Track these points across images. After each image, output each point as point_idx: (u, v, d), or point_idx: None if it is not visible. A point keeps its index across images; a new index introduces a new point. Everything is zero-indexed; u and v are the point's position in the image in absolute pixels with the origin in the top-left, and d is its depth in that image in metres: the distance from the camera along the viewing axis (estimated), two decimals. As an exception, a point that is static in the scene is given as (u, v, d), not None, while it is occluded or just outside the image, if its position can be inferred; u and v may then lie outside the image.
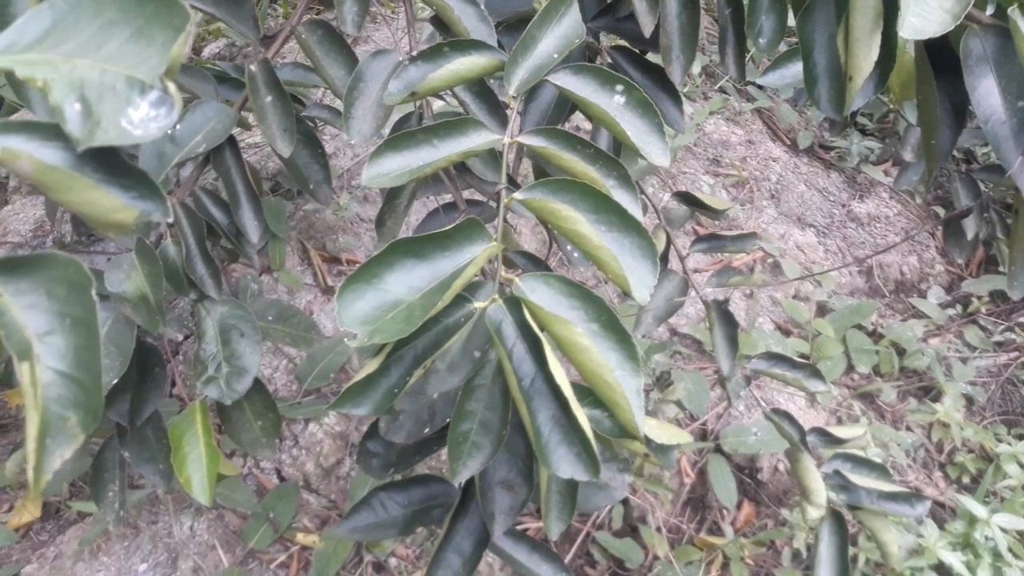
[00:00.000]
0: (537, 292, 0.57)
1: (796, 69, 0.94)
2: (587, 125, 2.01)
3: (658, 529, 1.58)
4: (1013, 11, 0.64)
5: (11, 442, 1.58)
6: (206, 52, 2.27)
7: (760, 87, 2.56)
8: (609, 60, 0.87)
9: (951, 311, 2.10)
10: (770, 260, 2.12)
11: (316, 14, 1.20)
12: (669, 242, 1.26)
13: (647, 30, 0.78)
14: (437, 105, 1.22)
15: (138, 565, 1.41)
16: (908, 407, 1.88)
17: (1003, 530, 1.54)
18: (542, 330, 0.56)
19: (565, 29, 0.65)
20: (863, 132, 2.52)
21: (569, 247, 0.95)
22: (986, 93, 0.68)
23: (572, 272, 1.86)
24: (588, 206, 0.60)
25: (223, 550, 1.44)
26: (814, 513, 1.05)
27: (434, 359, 0.59)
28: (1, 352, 0.39)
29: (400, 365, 0.58)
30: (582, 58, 0.86)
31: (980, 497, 1.65)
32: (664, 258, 1.27)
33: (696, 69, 2.53)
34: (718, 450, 1.68)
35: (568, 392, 0.53)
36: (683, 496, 1.65)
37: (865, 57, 0.70)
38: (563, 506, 0.74)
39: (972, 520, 1.56)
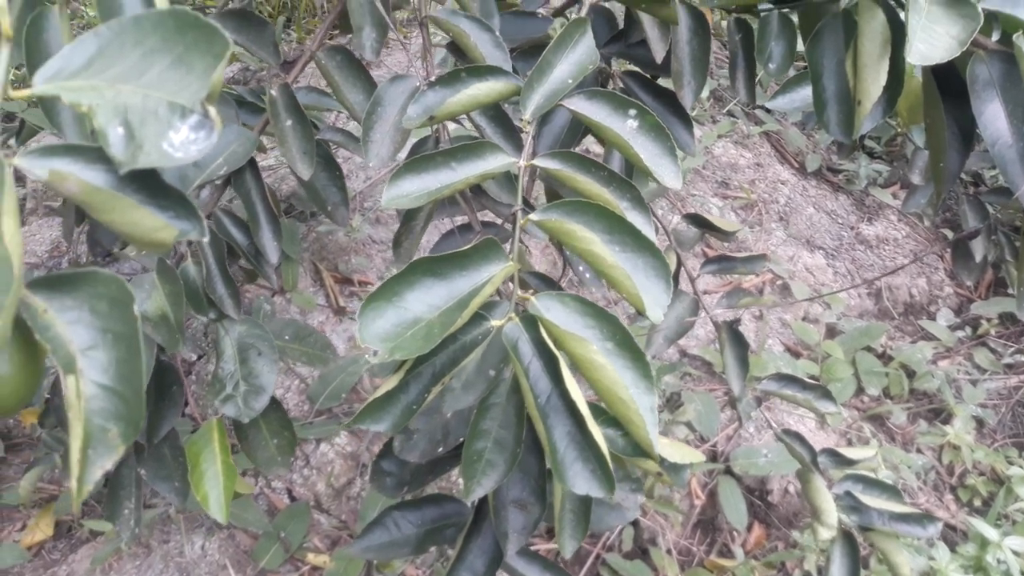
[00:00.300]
0: (553, 311, 0.59)
1: (804, 93, 0.96)
2: (597, 148, 2.03)
3: (668, 551, 1.58)
4: (1018, 38, 0.65)
5: (24, 461, 1.60)
6: (220, 76, 2.29)
7: (768, 111, 2.58)
8: (621, 85, 0.89)
9: (961, 333, 2.11)
10: (779, 282, 2.13)
11: (330, 39, 1.22)
12: (680, 263, 1.27)
13: (659, 56, 0.80)
14: (452, 128, 1.24)
15: (150, 584, 1.42)
16: (918, 429, 1.88)
17: (1015, 553, 1.53)
18: (558, 348, 0.57)
19: (579, 55, 0.67)
20: (871, 155, 2.54)
21: (581, 267, 0.97)
22: (993, 117, 0.69)
23: (583, 292, 1.87)
24: (602, 227, 0.61)
25: (234, 570, 1.45)
26: (825, 534, 1.06)
27: (451, 377, 0.60)
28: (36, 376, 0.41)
29: (419, 382, 0.59)
30: (595, 83, 0.88)
31: (992, 520, 1.65)
32: (675, 279, 1.28)
33: (704, 93, 2.56)
34: (728, 472, 1.68)
35: (584, 409, 0.55)
36: (693, 518, 1.65)
37: (873, 82, 0.71)
38: (577, 524, 0.75)
39: (984, 543, 1.56)
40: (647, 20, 0.82)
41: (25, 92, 0.39)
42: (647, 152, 0.66)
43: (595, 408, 0.67)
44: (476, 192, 0.84)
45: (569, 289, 1.83)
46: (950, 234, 2.35)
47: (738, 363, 1.18)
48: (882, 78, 0.71)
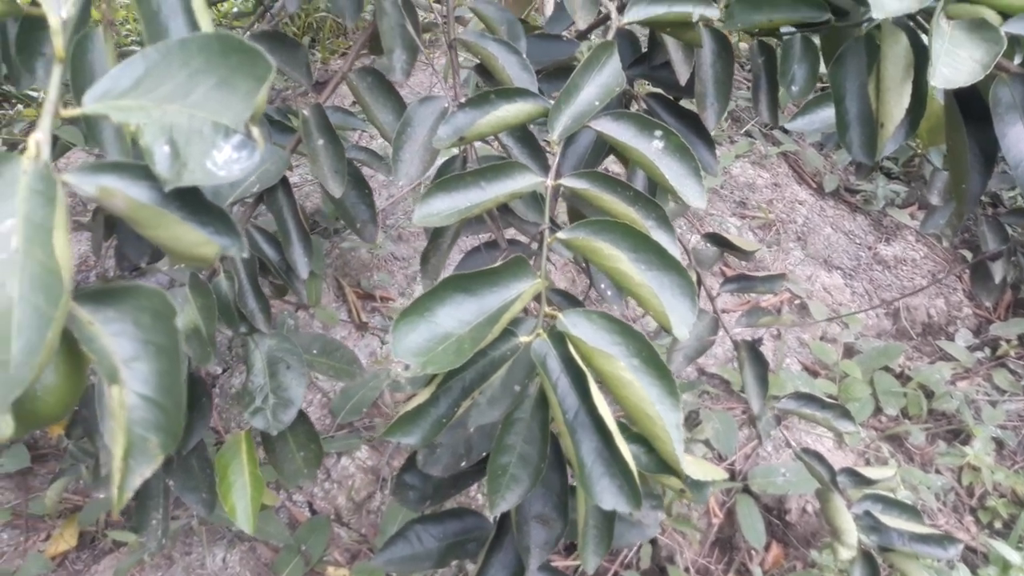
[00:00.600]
0: (580, 327, 0.60)
1: (824, 115, 0.96)
2: (616, 167, 2.04)
3: (686, 569, 1.57)
4: (1041, 61, 0.66)
5: (50, 472, 1.62)
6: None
7: (786, 131, 2.58)
8: (644, 106, 0.90)
9: (979, 354, 2.09)
10: (797, 302, 2.13)
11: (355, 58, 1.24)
12: (699, 282, 1.28)
13: (683, 78, 0.81)
14: (479, 146, 1.26)
15: (170, 596, 1.43)
16: (937, 450, 1.87)
17: (1038, 577, 1.52)
18: (585, 364, 0.58)
19: (606, 78, 0.68)
20: (889, 176, 2.54)
21: (603, 285, 0.97)
22: (1016, 140, 0.69)
23: (604, 309, 1.88)
24: (628, 245, 0.62)
25: (253, 583, 1.46)
26: (845, 554, 1.05)
27: (479, 391, 0.61)
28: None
29: (449, 396, 0.60)
30: (619, 105, 0.89)
31: (1013, 542, 1.63)
32: (694, 298, 1.28)
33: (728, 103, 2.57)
34: (746, 490, 1.67)
35: (612, 425, 0.55)
36: (711, 536, 1.65)
37: (896, 105, 0.72)
38: (600, 540, 0.75)
39: (1005, 566, 1.54)
40: (671, 43, 0.83)
41: (75, 111, 0.41)
42: (672, 172, 0.67)
43: (619, 424, 0.68)
44: (502, 210, 0.85)
45: (589, 306, 1.83)
46: (968, 255, 2.34)
47: (758, 382, 1.18)
48: (905, 101, 0.71)
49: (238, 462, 0.85)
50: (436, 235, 0.88)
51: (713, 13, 0.73)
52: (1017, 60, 0.72)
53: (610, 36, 0.72)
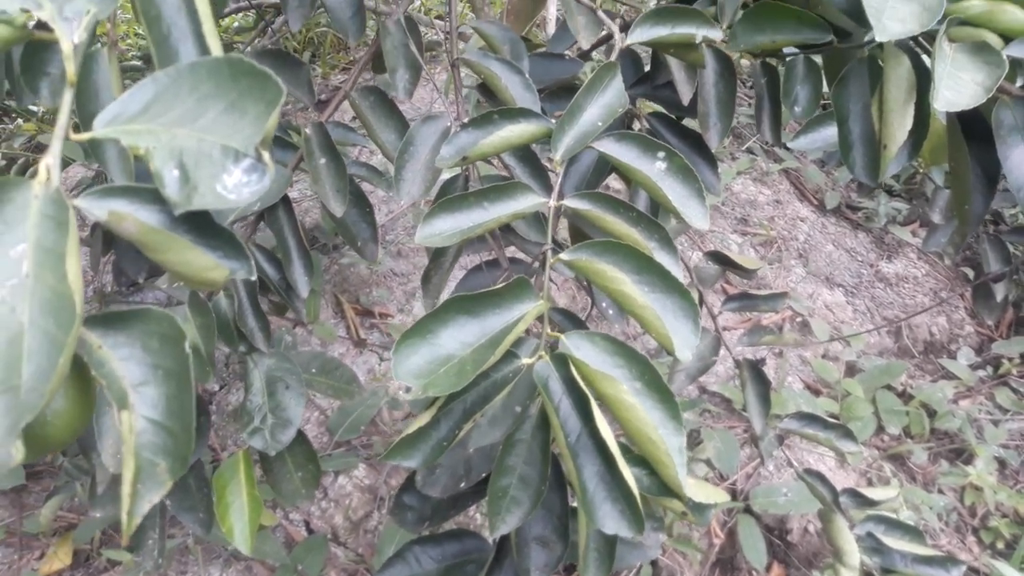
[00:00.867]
0: (582, 349, 0.60)
1: (826, 133, 0.97)
2: (617, 184, 2.04)
3: (687, 590, 1.56)
4: (1043, 85, 0.66)
5: (45, 489, 1.61)
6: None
7: (788, 149, 2.59)
8: (647, 125, 0.90)
9: (982, 372, 2.09)
10: (799, 319, 2.13)
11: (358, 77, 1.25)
12: (701, 301, 1.28)
13: (686, 98, 0.82)
14: (481, 165, 1.26)
15: (167, 615, 1.42)
16: (939, 469, 1.86)
17: (1041, 598, 1.51)
18: (587, 386, 0.57)
19: (609, 99, 0.68)
20: (890, 193, 2.54)
21: (604, 304, 0.97)
22: (1018, 162, 0.70)
23: (604, 327, 1.88)
24: (631, 267, 0.62)
25: (251, 601, 1.44)
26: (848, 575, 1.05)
27: (481, 414, 0.61)
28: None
29: (450, 418, 0.60)
30: (622, 124, 0.89)
31: (1016, 563, 1.62)
32: (696, 316, 1.28)
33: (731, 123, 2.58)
34: (748, 510, 1.67)
35: (614, 448, 0.55)
36: (712, 557, 1.64)
37: (899, 127, 0.72)
38: (601, 563, 0.75)
39: (1008, 587, 1.53)
40: (674, 63, 0.83)
41: (86, 135, 0.41)
42: (675, 193, 0.67)
43: (621, 447, 0.67)
44: (504, 229, 0.85)
45: (590, 323, 1.83)
46: (970, 272, 2.34)
47: (760, 401, 1.18)
48: (908, 123, 0.72)
49: (236, 482, 0.84)
50: (438, 254, 0.88)
51: (716, 34, 0.74)
52: (1019, 83, 0.72)
53: (613, 57, 0.72)
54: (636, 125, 0.93)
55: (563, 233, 1.38)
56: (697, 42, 0.73)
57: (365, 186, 2.10)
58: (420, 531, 0.83)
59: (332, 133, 1.11)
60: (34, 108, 2.41)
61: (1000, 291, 1.54)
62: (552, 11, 1.97)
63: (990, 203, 0.79)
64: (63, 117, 0.41)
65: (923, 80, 0.71)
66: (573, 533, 0.75)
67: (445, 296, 1.01)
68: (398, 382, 0.53)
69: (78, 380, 0.39)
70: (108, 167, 0.61)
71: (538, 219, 0.86)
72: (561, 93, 0.91)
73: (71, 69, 0.40)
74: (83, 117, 0.62)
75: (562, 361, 0.59)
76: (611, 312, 1.00)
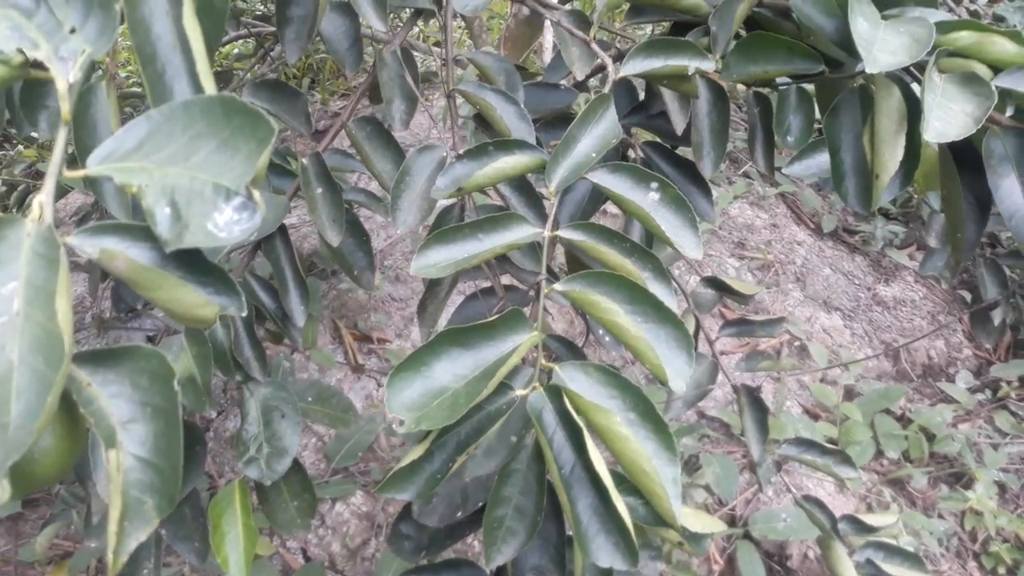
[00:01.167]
0: (576, 380, 0.60)
1: (821, 159, 0.97)
2: (615, 208, 2.05)
3: (687, 617, 1.55)
4: (1032, 115, 0.66)
5: (41, 517, 1.60)
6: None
7: (784, 174, 2.60)
8: (641, 155, 0.91)
9: (980, 396, 2.09)
10: (797, 343, 2.13)
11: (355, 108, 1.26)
12: (698, 326, 1.28)
13: (679, 128, 0.82)
14: (476, 194, 1.27)
15: (162, 644, 1.41)
16: (939, 494, 1.85)
17: (1043, 625, 1.50)
18: (581, 418, 0.57)
19: (603, 130, 0.69)
20: (887, 216, 2.55)
21: (600, 331, 0.97)
22: (1009, 191, 0.70)
23: (601, 352, 1.88)
24: (625, 297, 0.62)
25: (247, 630, 1.43)
26: (848, 604, 1.04)
27: (475, 446, 0.61)
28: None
29: (444, 451, 0.60)
30: (616, 155, 0.90)
31: (1018, 590, 1.61)
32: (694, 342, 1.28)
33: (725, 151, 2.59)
34: (747, 536, 1.66)
35: (608, 481, 0.55)
36: (712, 583, 1.63)
37: (891, 156, 0.73)
38: (598, 593, 0.74)
39: (1010, 614, 1.52)
40: (667, 93, 0.84)
41: (80, 173, 0.41)
42: (668, 224, 0.67)
43: (616, 476, 0.67)
44: (500, 258, 0.86)
45: (588, 348, 1.83)
46: (968, 295, 2.35)
47: (757, 427, 1.18)
48: (899, 153, 0.72)
49: (231, 512, 0.84)
50: (434, 284, 0.88)
51: (708, 66, 0.74)
52: (1009, 112, 0.73)
53: (607, 88, 0.72)
54: (631, 154, 0.94)
55: (561, 258, 1.39)
56: (690, 74, 0.74)
57: (364, 212, 2.11)
58: (417, 560, 0.83)
59: (330, 160, 1.12)
60: (35, 135, 2.42)
61: (998, 315, 1.54)
62: (549, 39, 1.99)
63: (983, 230, 0.80)
64: (57, 155, 0.41)
65: (914, 110, 0.72)
66: (570, 563, 0.75)
67: (444, 321, 1.01)
68: (392, 415, 0.53)
69: (66, 418, 0.39)
70: (105, 201, 0.62)
71: (533, 248, 0.87)
72: (557, 122, 0.91)
73: (66, 108, 0.41)
74: (80, 150, 0.62)
75: (556, 392, 0.59)
76: (607, 339, 1.00)
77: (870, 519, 1.15)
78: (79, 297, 1.88)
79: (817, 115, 0.88)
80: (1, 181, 2.21)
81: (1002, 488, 1.89)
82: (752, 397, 1.17)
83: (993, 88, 0.65)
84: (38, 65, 0.42)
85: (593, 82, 1.92)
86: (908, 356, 2.16)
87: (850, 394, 2.04)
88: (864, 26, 0.70)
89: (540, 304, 0.65)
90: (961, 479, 1.90)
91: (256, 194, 0.39)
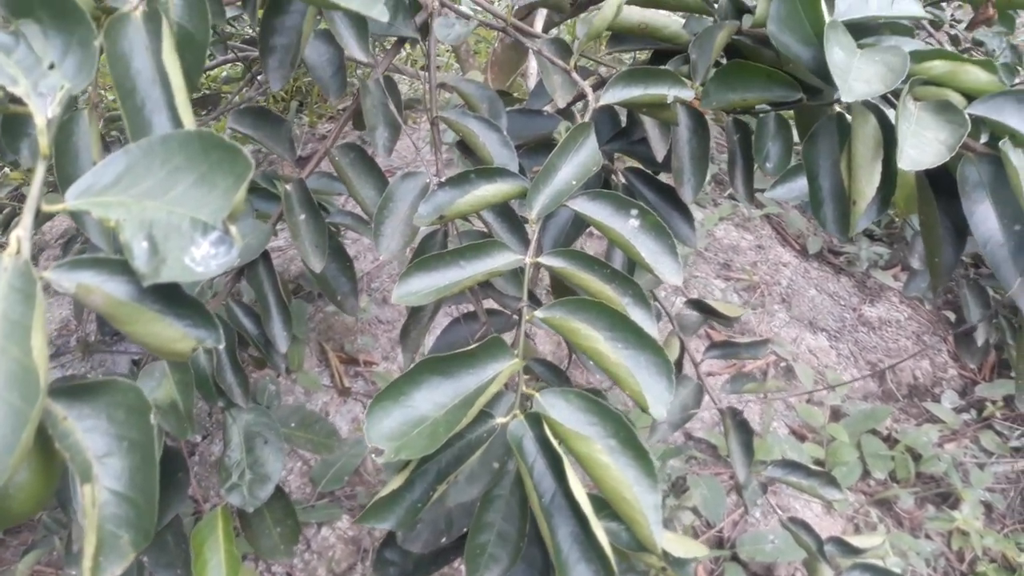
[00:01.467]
0: (557, 408, 0.60)
1: (803, 183, 0.98)
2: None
3: (674, 641, 1.54)
4: (1004, 144, 0.67)
5: (23, 543, 1.58)
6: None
7: (766, 197, 2.62)
8: (624, 180, 0.92)
9: (966, 416, 2.10)
10: (783, 364, 2.13)
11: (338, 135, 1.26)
12: (683, 348, 1.28)
13: (659, 155, 0.83)
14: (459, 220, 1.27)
15: (145, 673, 1.39)
16: (926, 514, 1.86)
17: (1030, 646, 1.50)
18: (561, 446, 0.58)
19: (583, 158, 0.70)
20: (871, 238, 2.57)
21: (584, 355, 0.98)
22: (983, 217, 0.71)
23: (588, 376, 1.88)
24: (605, 324, 0.63)
25: (231, 658, 1.42)
26: (834, 627, 1.04)
27: (456, 475, 0.61)
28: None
29: (424, 480, 0.60)
30: (598, 181, 0.90)
31: (1005, 610, 1.61)
32: (679, 364, 1.29)
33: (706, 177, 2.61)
34: (735, 558, 1.65)
35: (588, 509, 0.55)
36: (699, 606, 1.62)
37: (868, 183, 0.73)
38: (581, 619, 0.74)
39: (998, 635, 1.52)
40: (648, 121, 0.85)
41: (58, 207, 0.41)
42: (648, 250, 0.68)
43: (598, 500, 0.67)
44: (483, 284, 0.86)
45: (574, 369, 1.83)
46: (952, 316, 2.36)
47: (743, 450, 1.18)
48: (875, 179, 0.73)
49: (214, 539, 0.83)
50: (416, 310, 0.88)
51: (687, 94, 0.75)
52: (983, 139, 0.74)
53: (587, 117, 0.73)
54: (614, 179, 0.94)
55: (548, 279, 1.39)
56: (668, 102, 0.75)
57: (350, 233, 2.11)
58: (401, 587, 0.82)
59: (316, 183, 1.12)
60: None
61: (980, 336, 1.56)
62: (534, 63, 2.01)
63: (961, 253, 0.81)
64: (35, 189, 0.41)
65: (890, 137, 0.73)
66: (554, 588, 0.75)
67: (431, 341, 1.01)
68: (371, 445, 0.54)
69: (42, 452, 0.39)
70: (87, 231, 0.62)
71: (516, 274, 0.87)
72: (540, 149, 0.92)
73: (44, 143, 0.41)
74: (62, 178, 0.62)
75: (536, 420, 0.59)
76: (592, 363, 1.01)
77: (857, 540, 1.16)
78: (64, 320, 1.88)
79: (796, 139, 0.89)
80: (-14, 204, 2.20)
81: (988, 508, 1.89)
82: (737, 420, 1.18)
83: (966, 116, 0.66)
84: (17, 101, 0.42)
85: (578, 106, 1.94)
86: (894, 376, 2.17)
87: (836, 414, 2.05)
88: (840, 55, 0.71)
89: (521, 331, 0.66)
90: (948, 499, 1.90)
91: (233, 229, 0.39)
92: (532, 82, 1.69)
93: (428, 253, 0.83)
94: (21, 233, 0.39)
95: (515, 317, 0.90)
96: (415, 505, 0.59)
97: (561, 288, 0.92)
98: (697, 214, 2.50)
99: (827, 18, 0.75)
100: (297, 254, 2.04)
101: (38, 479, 0.39)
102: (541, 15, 1.53)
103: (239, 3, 0.95)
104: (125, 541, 0.37)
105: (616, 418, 0.59)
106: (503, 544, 0.66)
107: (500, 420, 0.61)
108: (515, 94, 1.18)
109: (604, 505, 0.69)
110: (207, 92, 2.44)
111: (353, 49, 0.78)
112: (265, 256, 0.86)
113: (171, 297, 0.42)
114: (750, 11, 0.85)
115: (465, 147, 0.84)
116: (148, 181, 0.41)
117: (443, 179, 0.71)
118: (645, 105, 0.77)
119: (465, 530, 0.73)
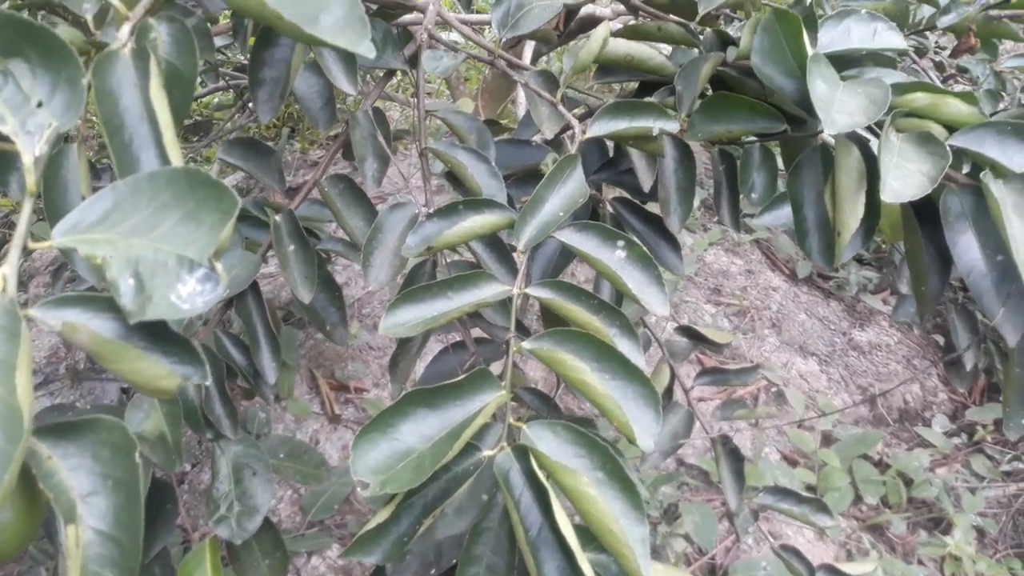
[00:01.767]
0: (544, 440, 0.60)
1: (789, 211, 0.99)
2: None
3: (667, 670, 1.53)
4: (985, 175, 0.68)
5: (8, 574, 1.56)
6: (224, 184, 2.36)
7: (753, 226, 2.64)
8: (611, 210, 0.92)
9: (957, 440, 2.10)
10: (774, 389, 2.14)
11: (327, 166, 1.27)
12: (673, 375, 1.28)
13: (646, 186, 0.84)
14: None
15: None
16: (918, 539, 1.85)
17: (1024, 673, 1.49)
18: (548, 478, 0.58)
19: (570, 189, 0.70)
20: (860, 262, 2.59)
21: (574, 384, 0.98)
22: (966, 248, 0.71)
23: (579, 402, 1.88)
24: (592, 355, 0.63)
25: None
26: (826, 656, 1.04)
27: (444, 506, 0.61)
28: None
29: (410, 514, 0.60)
30: (586, 210, 0.91)
31: (998, 637, 1.61)
32: (669, 391, 1.29)
33: (695, 202, 2.63)
34: (727, 585, 1.65)
35: (574, 543, 0.55)
36: (692, 634, 1.61)
37: (852, 214, 0.74)
38: (571, 652, 0.74)
39: (991, 662, 1.51)
40: (635, 152, 0.86)
41: (44, 244, 0.42)
42: (634, 281, 0.68)
43: (586, 532, 0.67)
44: (471, 314, 0.86)
45: (563, 395, 1.83)
46: (941, 339, 2.37)
47: (734, 477, 1.18)
48: (859, 210, 0.74)
49: (202, 571, 0.83)
50: (404, 340, 0.88)
51: (672, 127, 0.76)
52: (965, 170, 0.75)
53: (574, 149, 0.74)
54: (602, 209, 0.95)
55: (537, 306, 1.40)
56: (654, 135, 0.75)
57: (342, 261, 2.11)
58: (391, 619, 0.82)
59: (306, 211, 1.13)
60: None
61: (969, 361, 1.56)
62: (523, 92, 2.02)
63: (946, 281, 0.81)
64: (22, 227, 0.41)
65: (873, 169, 0.74)
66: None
67: (421, 368, 1.01)
68: (356, 478, 0.53)
69: (26, 492, 0.39)
70: (75, 265, 0.62)
71: (504, 304, 0.87)
72: (528, 179, 0.93)
73: (31, 180, 0.41)
74: (50, 212, 0.63)
75: (523, 453, 0.59)
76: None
77: (849, 567, 1.15)
78: (53, 347, 1.87)
79: (782, 167, 0.90)
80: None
81: (981, 532, 1.89)
82: (728, 448, 1.18)
83: (948, 148, 0.67)
84: (4, 138, 0.42)
85: (568, 134, 1.95)
86: (884, 401, 2.17)
87: (828, 439, 2.05)
88: (823, 88, 0.72)
89: (508, 362, 0.66)
90: (940, 524, 1.90)
91: (219, 266, 0.39)
92: (522, 110, 1.71)
93: (417, 283, 0.84)
94: (7, 271, 0.39)
95: (504, 346, 0.90)
96: (401, 539, 0.59)
97: (551, 315, 0.92)
98: (687, 239, 2.52)
99: (810, 51, 0.76)
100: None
101: (21, 520, 0.39)
102: (529, 46, 1.54)
103: (230, 32, 0.96)
104: (108, 581, 0.37)
105: (603, 450, 0.59)
106: (492, 577, 0.65)
107: (487, 453, 0.61)
108: (505, 121, 1.19)
109: (592, 538, 0.69)
110: (199, 119, 2.44)
111: (341, 82, 0.78)
112: (254, 286, 0.86)
113: (157, 334, 0.42)
114: (735, 43, 0.86)
115: (454, 178, 0.85)
116: (135, 218, 0.41)
117: (431, 210, 0.71)
118: (631, 137, 0.78)
119: (454, 562, 0.73)
